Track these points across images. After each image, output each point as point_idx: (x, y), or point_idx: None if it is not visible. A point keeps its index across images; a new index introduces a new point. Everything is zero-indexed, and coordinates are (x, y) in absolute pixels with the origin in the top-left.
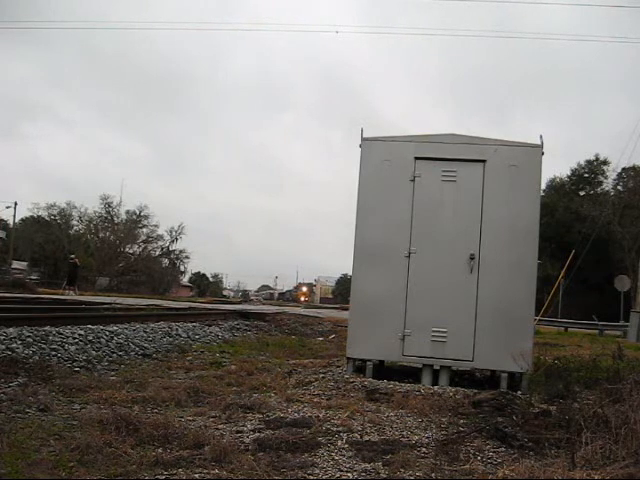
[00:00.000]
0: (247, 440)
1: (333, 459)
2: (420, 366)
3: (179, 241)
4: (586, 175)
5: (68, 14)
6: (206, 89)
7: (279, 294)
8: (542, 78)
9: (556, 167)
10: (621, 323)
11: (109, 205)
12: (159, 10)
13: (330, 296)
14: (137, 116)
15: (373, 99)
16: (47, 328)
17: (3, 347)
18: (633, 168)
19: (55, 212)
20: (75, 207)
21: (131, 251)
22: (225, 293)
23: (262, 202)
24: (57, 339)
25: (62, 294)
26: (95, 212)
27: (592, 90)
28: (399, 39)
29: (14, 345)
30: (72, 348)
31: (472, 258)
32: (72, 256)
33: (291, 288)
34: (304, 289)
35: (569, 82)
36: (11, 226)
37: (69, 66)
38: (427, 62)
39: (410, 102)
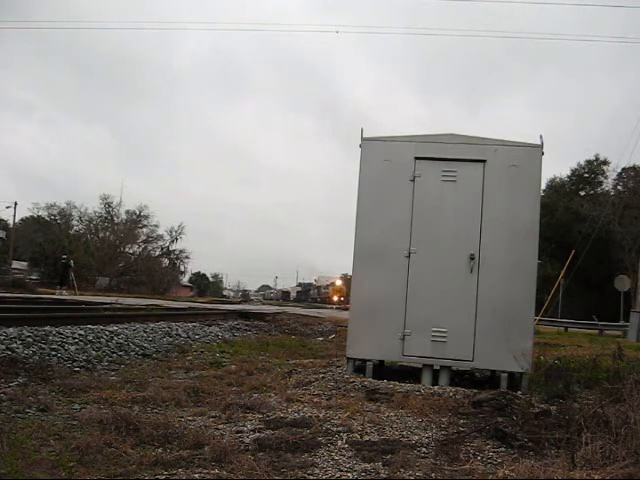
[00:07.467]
0: (247, 440)
1: (333, 459)
2: (420, 366)
3: (179, 241)
4: (586, 175)
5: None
6: (163, 76)
7: (297, 292)
8: (519, 60)
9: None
10: (621, 323)
11: (109, 205)
12: None
13: None
14: (87, 100)
15: (340, 83)
16: (47, 328)
17: (3, 347)
18: (633, 168)
19: (55, 212)
20: (75, 207)
21: (131, 251)
22: (225, 293)
23: (242, 196)
24: (57, 339)
25: (60, 294)
26: (95, 212)
27: (573, 73)
28: (362, 21)
29: (14, 345)
30: (72, 348)
31: (472, 258)
32: (64, 257)
33: (289, 288)
34: (338, 283)
35: (546, 64)
36: (11, 226)
37: (21, 52)
38: (393, 43)
39: (377, 84)
